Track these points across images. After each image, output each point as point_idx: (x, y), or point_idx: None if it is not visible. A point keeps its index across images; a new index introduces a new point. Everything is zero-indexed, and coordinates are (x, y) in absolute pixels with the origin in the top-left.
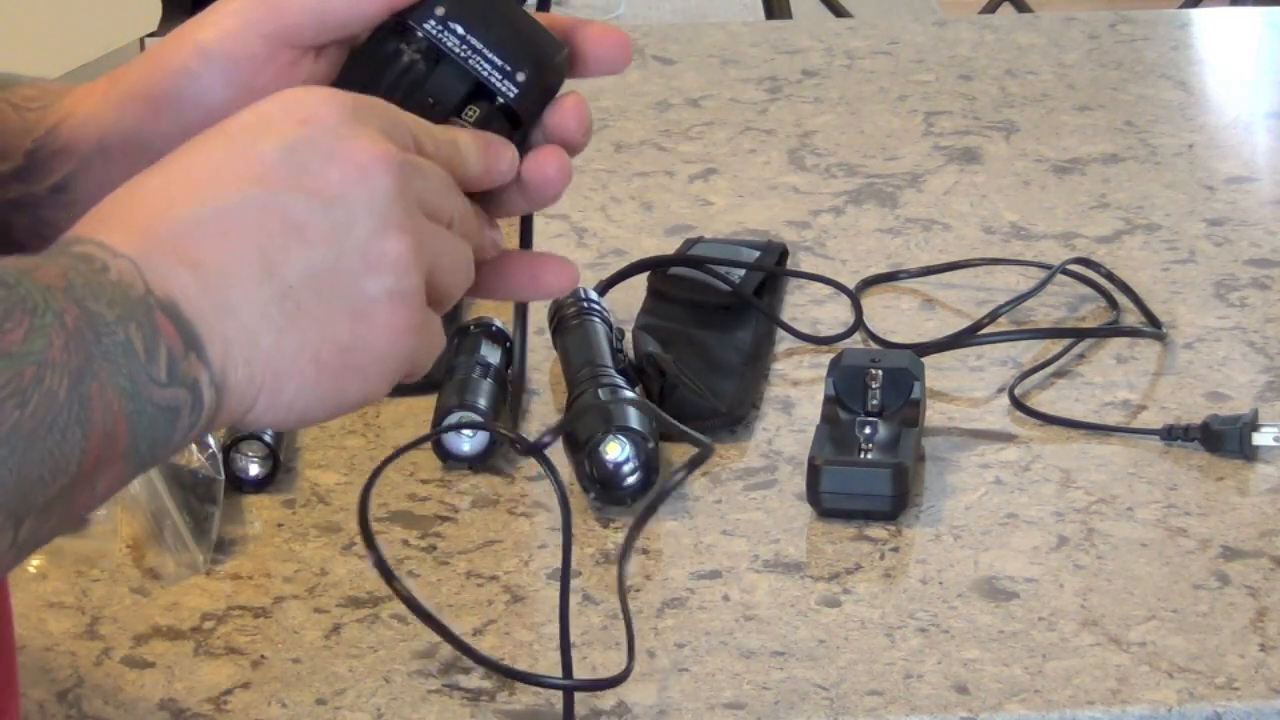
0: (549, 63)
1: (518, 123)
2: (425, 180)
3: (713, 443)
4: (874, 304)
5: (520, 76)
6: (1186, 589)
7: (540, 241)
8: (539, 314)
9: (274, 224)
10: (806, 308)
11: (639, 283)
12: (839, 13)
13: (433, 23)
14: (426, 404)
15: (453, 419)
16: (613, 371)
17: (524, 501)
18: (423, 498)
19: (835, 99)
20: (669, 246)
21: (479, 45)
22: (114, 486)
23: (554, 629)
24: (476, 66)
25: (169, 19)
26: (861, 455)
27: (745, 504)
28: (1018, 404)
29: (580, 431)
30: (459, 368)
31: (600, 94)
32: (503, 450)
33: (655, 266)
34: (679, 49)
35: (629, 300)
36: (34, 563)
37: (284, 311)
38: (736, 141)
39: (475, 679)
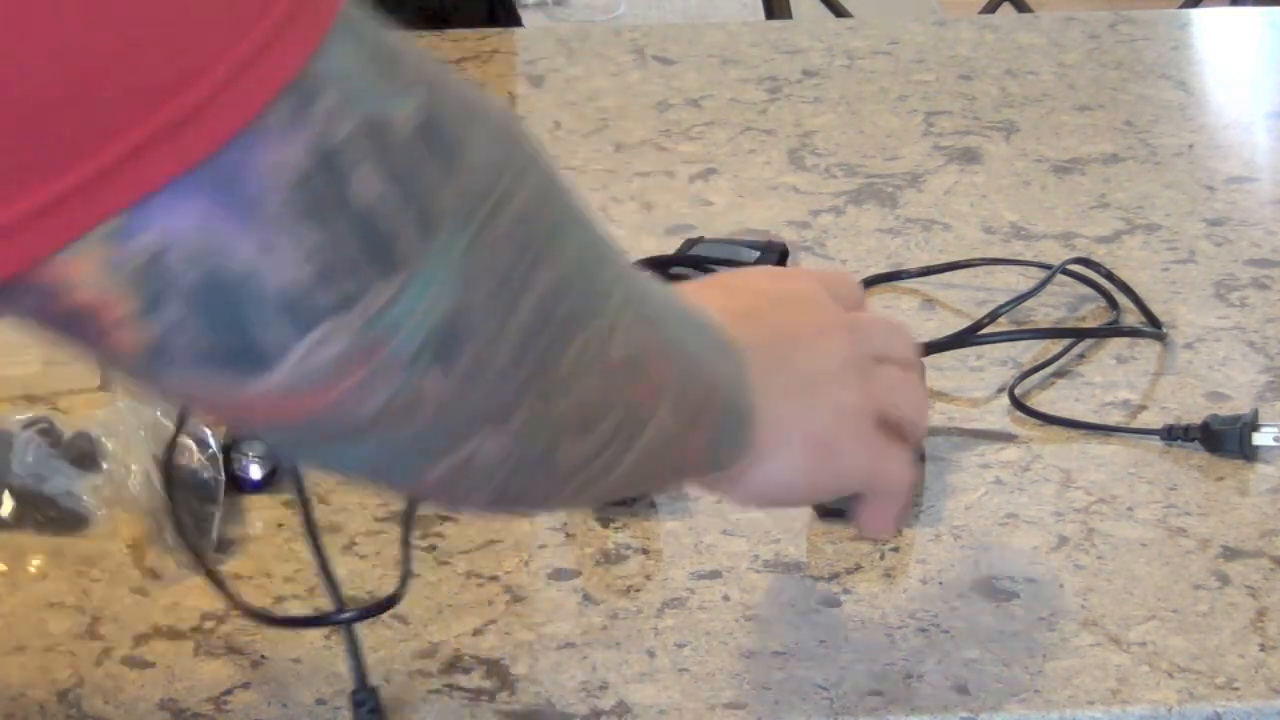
0: None
1: None
2: (870, 334)
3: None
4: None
5: None
6: (1186, 589)
7: None
8: None
9: (786, 331)
10: None
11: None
12: (839, 13)
13: None
14: None
15: None
16: None
17: None
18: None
19: (835, 99)
20: (669, 246)
21: None
22: (695, 460)
23: (554, 629)
24: None
25: None
26: None
27: None
28: (1018, 404)
29: None
30: None
31: (600, 94)
32: None
33: (655, 266)
34: (679, 49)
35: None
36: (34, 563)
37: (792, 391)
38: (736, 141)
39: (475, 679)
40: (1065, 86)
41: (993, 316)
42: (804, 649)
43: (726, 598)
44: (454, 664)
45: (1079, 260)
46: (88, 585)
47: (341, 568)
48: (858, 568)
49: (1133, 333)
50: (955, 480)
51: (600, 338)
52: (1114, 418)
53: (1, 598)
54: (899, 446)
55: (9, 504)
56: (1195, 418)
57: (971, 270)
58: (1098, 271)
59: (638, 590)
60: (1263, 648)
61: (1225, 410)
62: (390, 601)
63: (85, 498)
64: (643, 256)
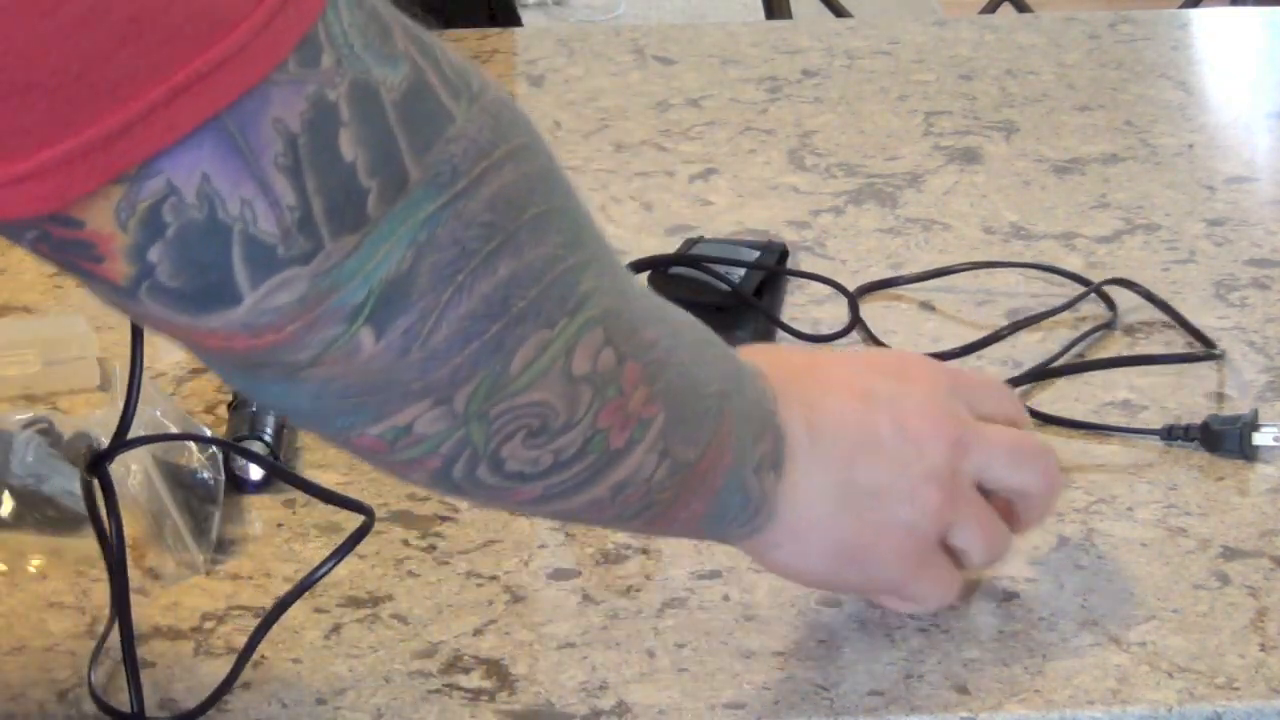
0: None
1: None
2: (985, 458)
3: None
4: (874, 304)
5: None
6: (1186, 589)
7: None
8: None
9: (868, 433)
10: (806, 308)
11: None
12: (839, 13)
13: None
14: None
15: None
16: None
17: None
18: (423, 498)
19: (835, 99)
20: (669, 246)
21: None
22: (686, 524)
23: (555, 629)
24: None
25: None
26: None
27: None
28: None
29: None
30: None
31: (600, 94)
32: None
33: (655, 266)
34: (679, 49)
35: None
36: (34, 563)
37: (839, 497)
38: (736, 141)
39: (475, 679)
40: (1065, 86)
41: (1013, 328)
42: (804, 649)
43: (726, 598)
44: (454, 664)
45: (1116, 281)
46: (88, 585)
47: (341, 567)
48: None
49: (1188, 358)
50: None
51: (565, 344)
52: (1114, 418)
53: (1, 598)
54: (947, 569)
55: (9, 504)
56: (1195, 418)
57: (972, 271)
58: (1136, 291)
59: (638, 590)
60: (1263, 648)
61: (1225, 410)
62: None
63: None
64: (643, 256)
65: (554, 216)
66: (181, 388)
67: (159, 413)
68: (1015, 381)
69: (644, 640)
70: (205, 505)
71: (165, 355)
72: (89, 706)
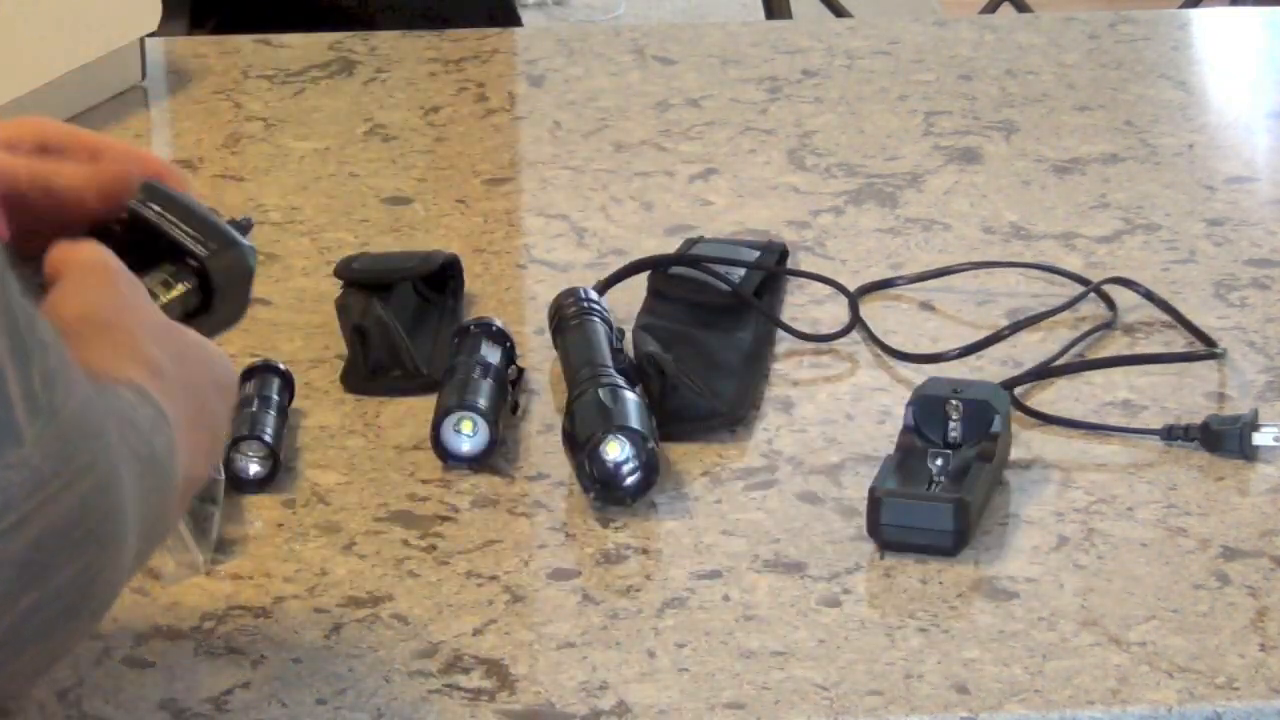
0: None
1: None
2: None
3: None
4: (875, 304)
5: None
6: (1186, 589)
7: (540, 241)
8: (539, 314)
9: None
10: (806, 308)
11: (639, 283)
12: (839, 13)
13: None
14: (426, 404)
15: (453, 419)
16: (613, 371)
17: (524, 501)
18: (423, 498)
19: (835, 99)
20: (669, 246)
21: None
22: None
23: (554, 629)
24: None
25: (169, 19)
26: (931, 488)
27: (745, 504)
28: (1018, 404)
29: (580, 431)
30: (459, 367)
31: (600, 94)
32: (503, 450)
33: (655, 266)
34: (679, 49)
35: (629, 300)
36: None
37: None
38: (736, 141)
39: (475, 679)
40: (1065, 86)
41: (1014, 328)
42: (804, 649)
43: (726, 598)
44: (454, 664)
45: (1116, 280)
46: None
47: (341, 567)
48: (858, 568)
49: (1188, 358)
50: None
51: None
52: (1114, 418)
53: None
54: None
55: None
56: (1195, 418)
57: (972, 271)
58: (1136, 290)
59: (638, 590)
60: (1263, 648)
61: (1225, 410)
62: None
63: None
64: (643, 256)
65: (92, 541)
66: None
67: None
68: (1015, 381)
69: (644, 640)
70: (205, 505)
71: None
72: (89, 706)
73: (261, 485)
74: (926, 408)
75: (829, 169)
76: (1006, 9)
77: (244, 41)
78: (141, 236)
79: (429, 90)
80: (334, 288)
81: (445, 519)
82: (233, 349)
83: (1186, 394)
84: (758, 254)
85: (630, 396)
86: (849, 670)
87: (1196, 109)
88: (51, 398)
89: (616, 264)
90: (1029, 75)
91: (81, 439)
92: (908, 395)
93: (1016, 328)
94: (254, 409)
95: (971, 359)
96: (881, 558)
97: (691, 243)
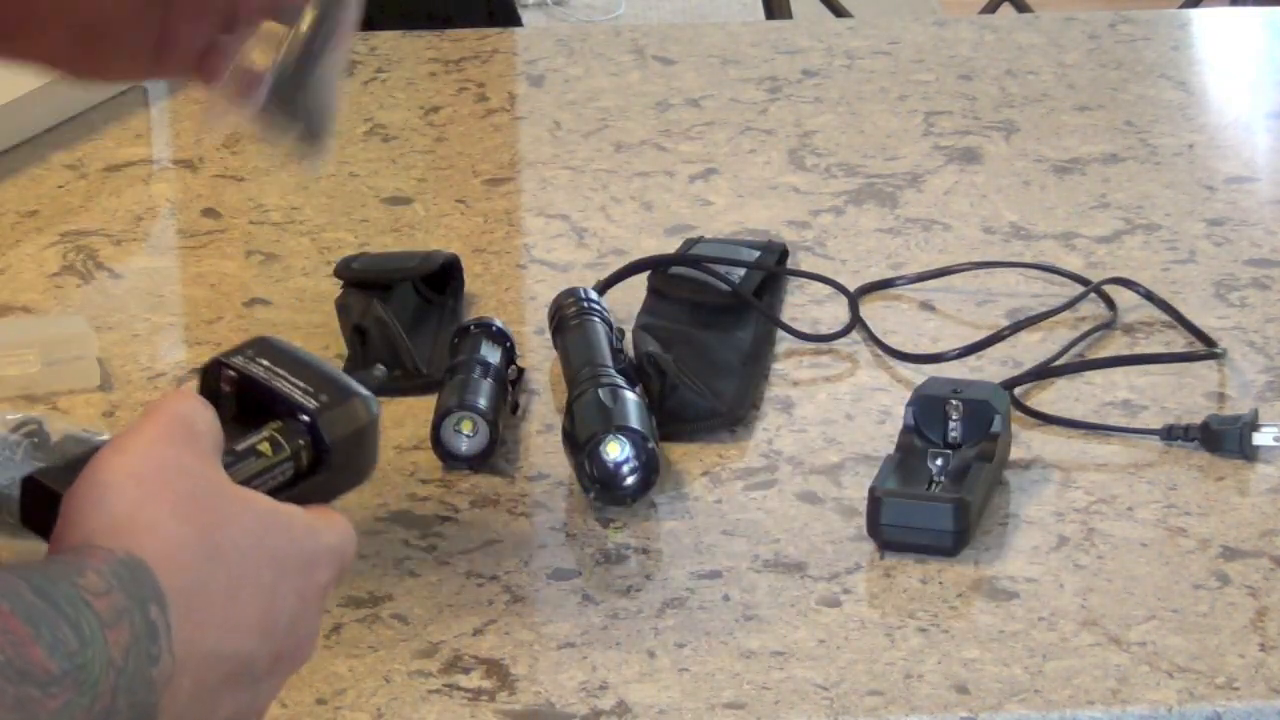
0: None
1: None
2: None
3: None
4: (874, 304)
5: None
6: (1186, 589)
7: (540, 241)
8: (539, 314)
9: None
10: (806, 308)
11: (639, 283)
12: (839, 13)
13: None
14: (426, 404)
15: (453, 419)
16: (613, 371)
17: (524, 501)
18: (423, 498)
19: (835, 99)
20: (669, 246)
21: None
22: None
23: (554, 629)
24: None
25: None
26: (931, 488)
27: (745, 504)
28: (1018, 404)
29: (580, 431)
30: (459, 367)
31: (600, 94)
32: (503, 450)
33: (655, 266)
34: (679, 49)
35: (629, 300)
36: None
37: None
38: (736, 141)
39: (475, 679)
40: (1065, 86)
41: (1014, 328)
42: (804, 649)
43: (726, 598)
44: (454, 664)
45: (1116, 280)
46: None
47: None
48: (858, 568)
49: (1188, 358)
50: None
51: None
52: (1114, 418)
53: None
54: None
55: None
56: (1195, 418)
57: (972, 271)
58: (1136, 290)
59: (638, 590)
60: (1263, 648)
61: (1225, 410)
62: None
63: None
64: (643, 256)
65: None
66: (181, 388)
67: None
68: (1015, 381)
69: (644, 640)
70: None
71: (165, 355)
72: None
73: None
74: (926, 408)
75: (829, 169)
76: (1006, 9)
77: None
78: (251, 395)
79: (429, 90)
80: (334, 288)
81: (445, 519)
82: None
83: (1186, 394)
84: (758, 254)
85: (630, 396)
86: (849, 670)
87: (1196, 109)
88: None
89: (616, 264)
90: (1029, 75)
91: None
92: (908, 395)
93: (1016, 328)
94: None
95: (971, 359)
96: (881, 558)
97: (691, 243)
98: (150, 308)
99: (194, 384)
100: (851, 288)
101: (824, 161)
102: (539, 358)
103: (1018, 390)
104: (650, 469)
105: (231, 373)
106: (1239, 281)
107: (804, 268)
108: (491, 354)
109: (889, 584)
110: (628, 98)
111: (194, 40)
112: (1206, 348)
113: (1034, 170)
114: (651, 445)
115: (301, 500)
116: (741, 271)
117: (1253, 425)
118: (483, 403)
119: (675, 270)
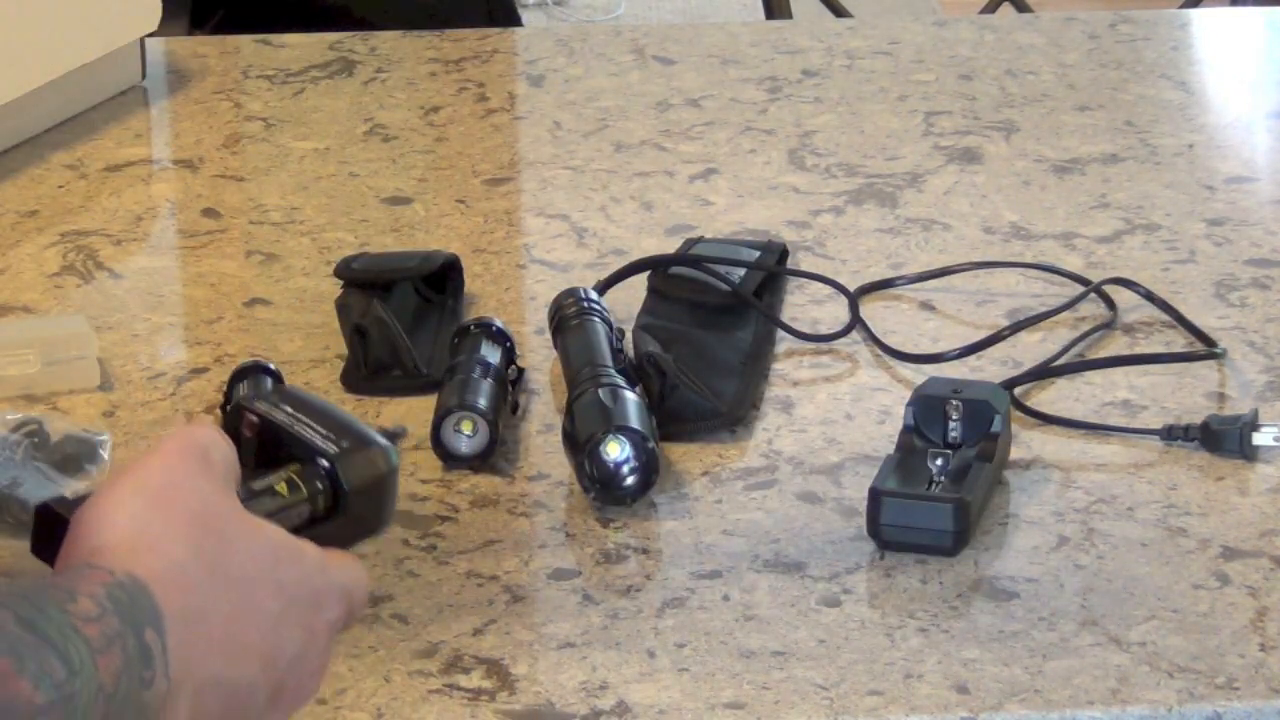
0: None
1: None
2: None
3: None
4: (874, 304)
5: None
6: (1186, 589)
7: (540, 241)
8: (539, 314)
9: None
10: (806, 308)
11: (639, 283)
12: (839, 13)
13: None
14: (427, 403)
15: (453, 419)
16: (613, 371)
17: (524, 501)
18: (423, 498)
19: (835, 99)
20: (669, 246)
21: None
22: None
23: (554, 629)
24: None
25: (169, 19)
26: (931, 488)
27: (745, 504)
28: (1018, 404)
29: (580, 431)
30: (459, 367)
31: (600, 94)
32: (503, 450)
33: (655, 266)
34: (679, 49)
35: (629, 300)
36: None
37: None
38: (736, 141)
39: (475, 679)
40: (1065, 86)
41: (1014, 328)
42: (804, 649)
43: (726, 598)
44: (454, 664)
45: (1116, 280)
46: None
47: None
48: (858, 567)
49: (1188, 358)
50: None
51: None
52: (1114, 418)
53: None
54: None
55: None
56: (1195, 418)
57: (972, 271)
58: (1136, 291)
59: (638, 590)
60: (1263, 648)
61: (1225, 410)
62: None
63: None
64: (643, 256)
65: None
66: (181, 388)
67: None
68: (1015, 381)
69: (644, 640)
70: None
71: (165, 355)
72: None
73: None
74: (926, 408)
75: (829, 169)
76: (1006, 9)
77: (244, 41)
78: (272, 439)
79: (429, 90)
80: (334, 288)
81: (445, 519)
82: (233, 349)
83: (1186, 394)
84: (758, 254)
85: (630, 396)
86: (849, 670)
87: (1196, 109)
88: None
89: (616, 264)
90: (1029, 75)
91: None
92: (908, 395)
93: (1016, 328)
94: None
95: (971, 359)
96: (881, 558)
97: (691, 243)
98: (150, 308)
99: (214, 418)
100: (851, 288)
101: (824, 161)
102: (539, 358)
103: (1018, 390)
104: (650, 469)
105: (253, 417)
106: (1239, 281)
107: (804, 268)
108: (491, 354)
109: (889, 584)
110: (628, 98)
111: None
112: (1206, 348)
113: (1034, 170)
114: (651, 445)
115: None
116: (741, 271)
117: (1253, 425)
118: (483, 403)
119: (675, 270)
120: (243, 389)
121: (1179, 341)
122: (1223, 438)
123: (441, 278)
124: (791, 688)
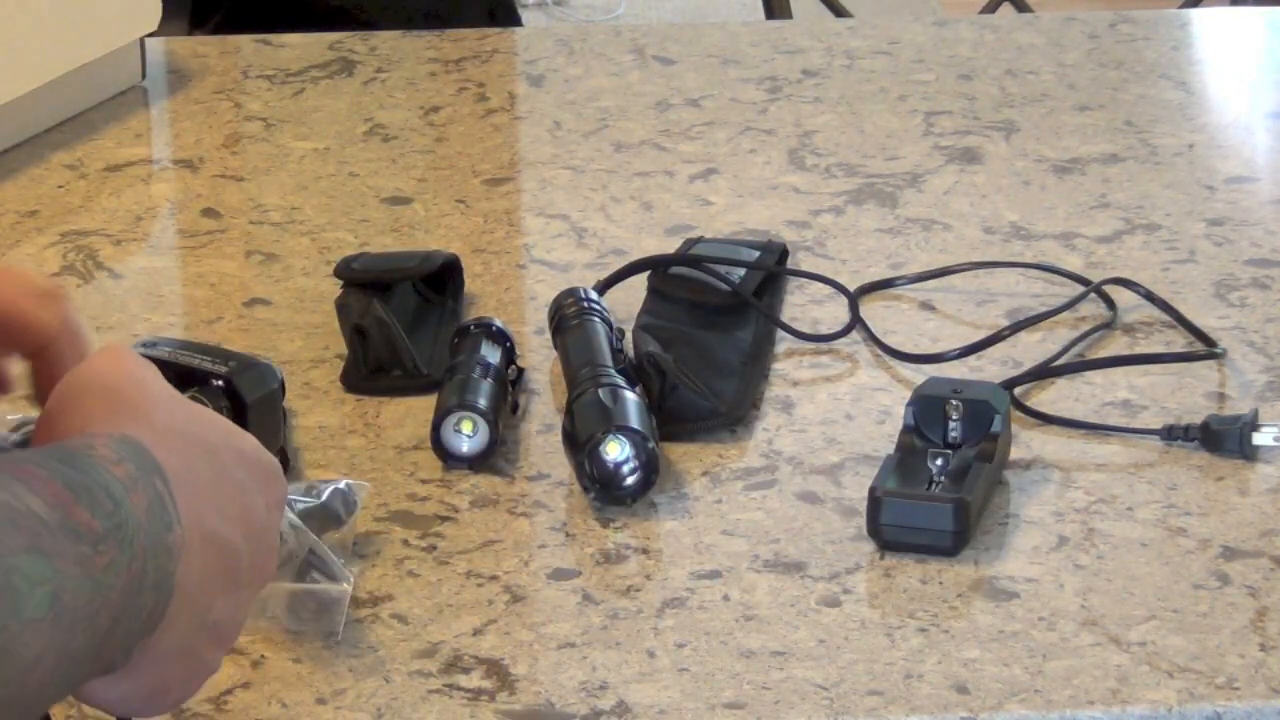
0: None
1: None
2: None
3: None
4: (874, 304)
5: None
6: (1186, 589)
7: (540, 241)
8: (539, 314)
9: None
10: (806, 308)
11: (639, 283)
12: (839, 13)
13: None
14: (427, 403)
15: (453, 419)
16: (613, 371)
17: (524, 501)
18: (423, 498)
19: (835, 99)
20: (669, 246)
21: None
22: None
23: (554, 629)
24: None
25: (169, 19)
26: (931, 488)
27: (745, 504)
28: (1018, 404)
29: (580, 431)
30: (459, 367)
31: (600, 94)
32: (503, 450)
33: (655, 266)
34: (679, 49)
35: (629, 300)
36: None
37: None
38: (736, 141)
39: (475, 679)
40: (1065, 86)
41: (1014, 328)
42: (804, 649)
43: (726, 598)
44: (454, 664)
45: (1116, 280)
46: None
47: None
48: (858, 568)
49: (1188, 358)
50: None
51: None
52: (1114, 418)
53: None
54: None
55: None
56: (1195, 418)
57: (972, 271)
58: (1136, 291)
59: (638, 590)
60: (1263, 648)
61: (1225, 410)
62: None
63: None
64: (643, 256)
65: None
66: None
67: None
68: (1015, 381)
69: (644, 640)
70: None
71: None
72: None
73: None
74: (926, 408)
75: (829, 169)
76: (1006, 9)
77: (244, 41)
78: (165, 375)
79: (429, 90)
80: (334, 288)
81: (445, 519)
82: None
83: (1186, 394)
84: (758, 254)
85: (630, 396)
86: (849, 670)
87: (1196, 109)
88: None
89: (616, 264)
90: (1029, 75)
91: None
92: (908, 395)
93: (1016, 328)
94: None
95: (971, 359)
96: (881, 558)
97: (691, 243)
98: (150, 308)
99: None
100: (851, 288)
101: (824, 161)
102: (539, 358)
103: (1018, 390)
104: (650, 469)
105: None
106: (1239, 281)
107: (804, 268)
108: (491, 354)
109: (889, 584)
110: (628, 98)
111: None
112: (1206, 348)
113: (1034, 170)
114: (651, 445)
115: None
116: (741, 271)
117: (1253, 425)
118: (483, 403)
119: (675, 270)
120: None
121: (1179, 341)
122: (1223, 438)
123: (441, 278)
124: (791, 688)
